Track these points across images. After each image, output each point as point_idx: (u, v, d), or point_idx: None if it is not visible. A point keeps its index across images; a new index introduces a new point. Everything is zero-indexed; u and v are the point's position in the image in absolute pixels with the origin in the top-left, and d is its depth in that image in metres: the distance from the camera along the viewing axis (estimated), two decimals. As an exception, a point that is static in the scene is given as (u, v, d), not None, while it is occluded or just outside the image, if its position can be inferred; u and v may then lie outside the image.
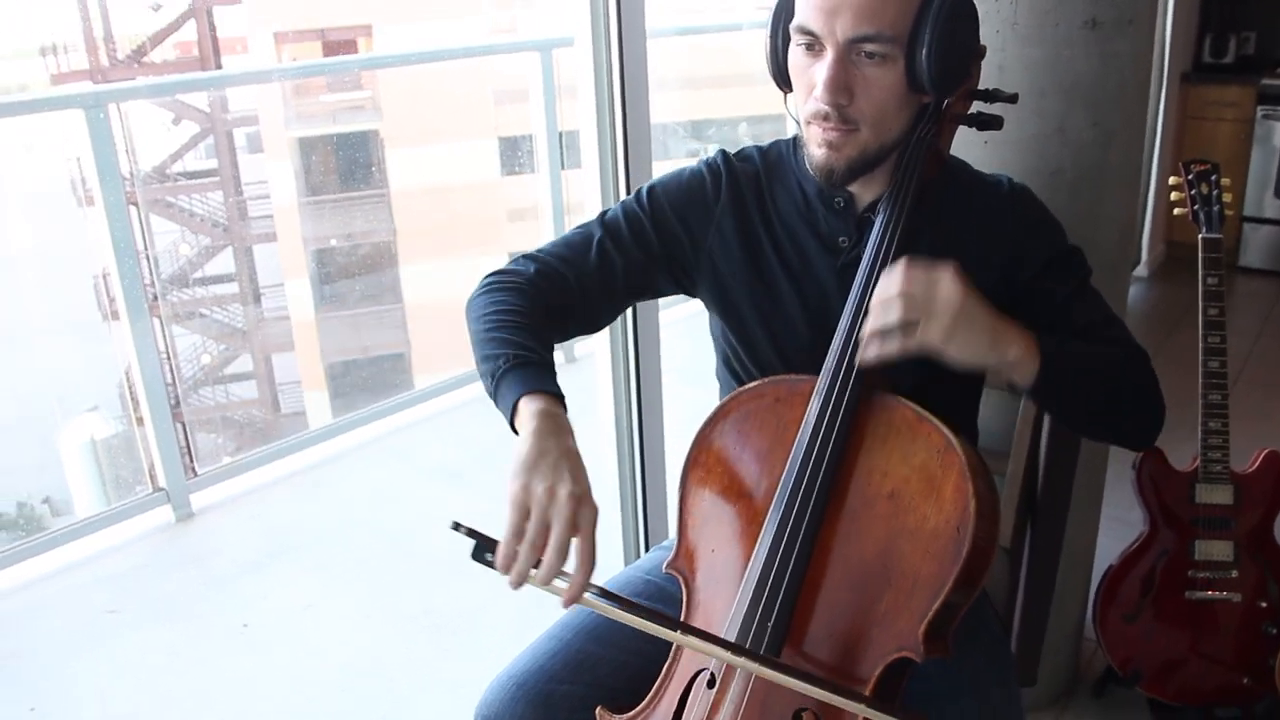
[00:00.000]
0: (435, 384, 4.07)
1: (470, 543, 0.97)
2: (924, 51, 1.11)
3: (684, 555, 1.20)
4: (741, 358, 1.34)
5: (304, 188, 15.25)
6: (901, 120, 1.18)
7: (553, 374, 1.11)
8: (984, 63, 1.24)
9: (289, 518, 3.37)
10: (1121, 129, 1.74)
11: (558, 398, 1.07)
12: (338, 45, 15.31)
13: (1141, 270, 4.98)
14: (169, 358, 13.25)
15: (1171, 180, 2.13)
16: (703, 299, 1.36)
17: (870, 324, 1.07)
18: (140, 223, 13.31)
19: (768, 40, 1.21)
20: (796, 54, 1.16)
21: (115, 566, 3.06)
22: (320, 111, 15.46)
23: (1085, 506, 2.04)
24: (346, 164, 15.65)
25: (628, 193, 1.94)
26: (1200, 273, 2.02)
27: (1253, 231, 4.92)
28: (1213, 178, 2.07)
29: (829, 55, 1.11)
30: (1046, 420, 1.42)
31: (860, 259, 1.19)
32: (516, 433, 1.05)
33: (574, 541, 0.97)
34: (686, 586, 1.19)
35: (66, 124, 3.17)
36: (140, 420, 3.32)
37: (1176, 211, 2.12)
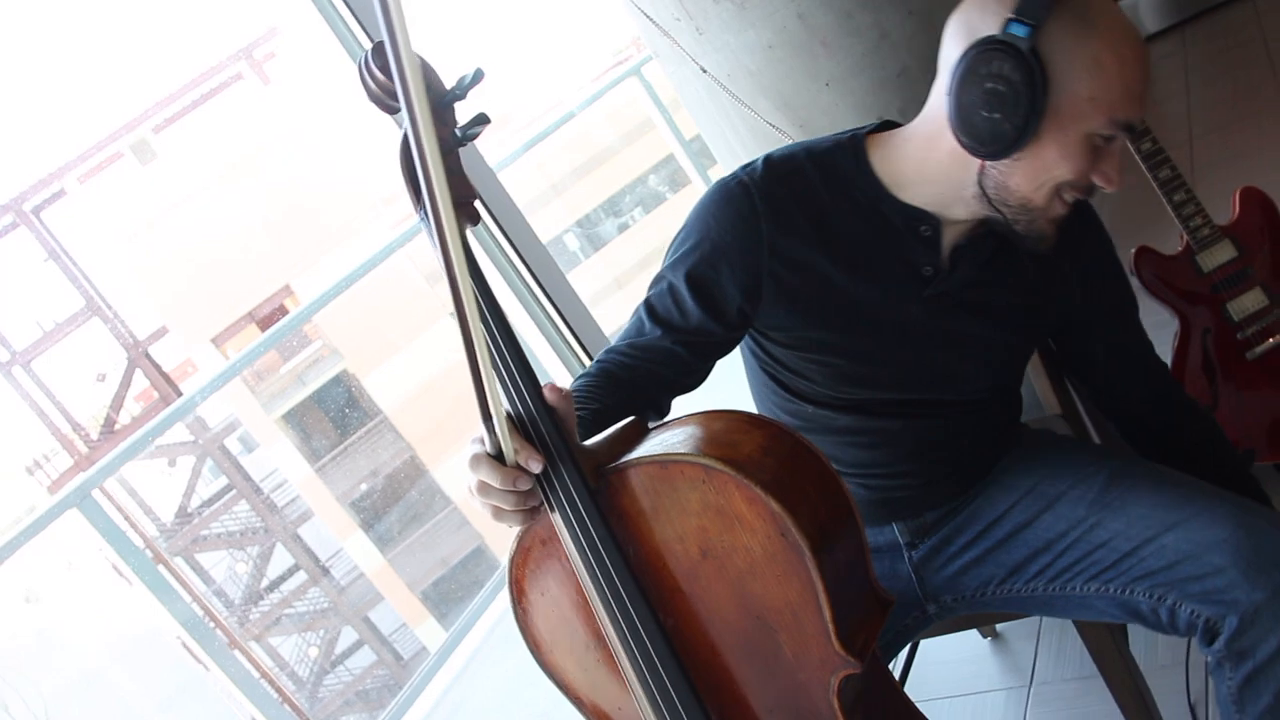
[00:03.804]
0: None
1: None
2: None
3: None
4: (804, 378, 1.27)
5: (311, 455, 15.44)
6: None
7: (582, 429, 1.04)
8: (802, 27, 1.27)
9: (450, 752, 3.35)
10: (935, 0, 1.79)
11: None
12: (269, 317, 15.64)
13: (1055, 95, 4.99)
14: (279, 670, 13.27)
15: (1013, 15, 2.16)
16: (761, 330, 1.26)
17: None
18: (189, 568, 13.47)
19: (1021, 113, 1.04)
20: (1089, 143, 1.07)
21: None
22: (288, 383, 15.74)
23: (1114, 333, 2.03)
24: (335, 413, 15.88)
25: (578, 343, 2.00)
26: (1085, 77, 2.04)
27: (1132, 1, 4.95)
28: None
29: (1119, 142, 1.07)
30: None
31: (954, 290, 1.20)
32: None
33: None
34: None
35: (72, 526, 3.23)
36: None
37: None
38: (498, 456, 0.93)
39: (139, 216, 15.65)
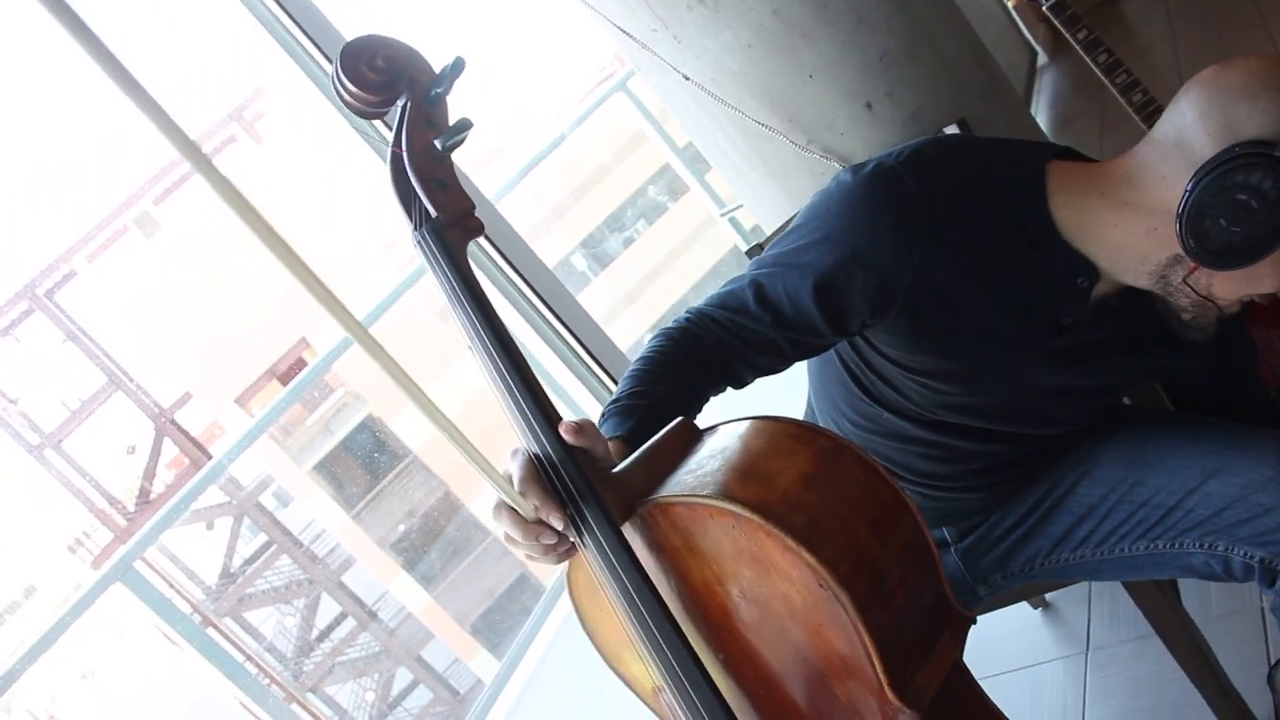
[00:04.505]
0: (552, 583, 4.07)
1: None
2: None
3: None
4: (897, 391, 1.21)
5: (345, 502, 15.50)
6: None
7: (636, 420, 1.00)
8: (778, 22, 1.26)
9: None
10: (910, -18, 1.79)
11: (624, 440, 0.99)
12: (289, 371, 15.72)
13: (1043, 59, 4.98)
14: (338, 718, 13.30)
15: (989, -16, 2.17)
16: (869, 339, 1.18)
17: None
18: (238, 628, 13.52)
19: (1263, 237, 0.96)
20: None
21: None
22: (315, 433, 15.81)
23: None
24: (365, 458, 15.94)
25: (596, 363, 2.00)
26: (1070, 38, 2.04)
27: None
28: (1020, -43, 2.11)
29: None
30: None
31: (1085, 343, 1.14)
32: None
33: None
34: None
35: (118, 600, 3.25)
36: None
37: (1011, 3, 2.15)
38: None
39: (150, 288, 15.78)
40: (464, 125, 0.98)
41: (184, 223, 16.59)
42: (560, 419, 0.91)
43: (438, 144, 0.97)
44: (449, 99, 0.99)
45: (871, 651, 0.84)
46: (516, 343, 0.93)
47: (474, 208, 0.98)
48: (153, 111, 0.73)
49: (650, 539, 0.90)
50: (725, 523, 0.85)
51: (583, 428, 0.90)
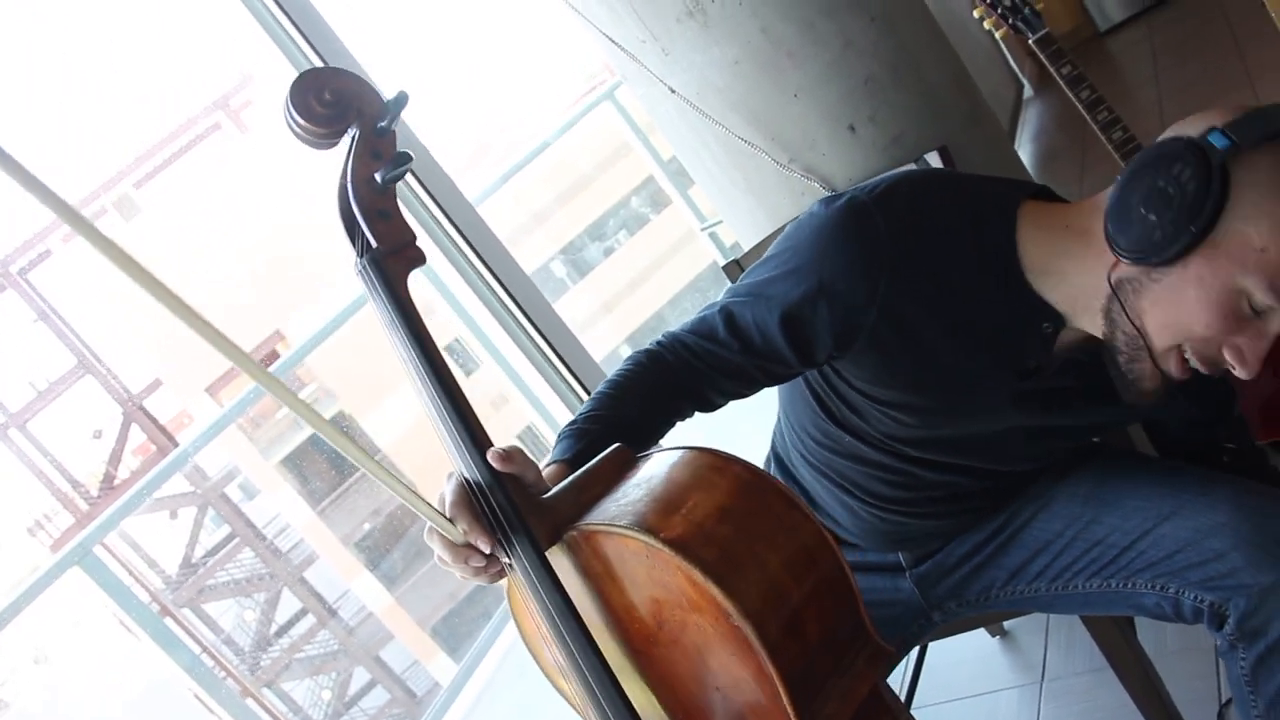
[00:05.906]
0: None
1: None
2: None
3: None
4: (860, 417, 1.21)
5: (312, 498, 15.40)
6: None
7: (585, 444, 1.02)
8: (766, 41, 1.27)
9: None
10: (895, 5, 1.80)
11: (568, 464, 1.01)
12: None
13: (1028, 91, 5.03)
14: (293, 715, 13.18)
15: (976, 13, 2.18)
16: (835, 368, 1.18)
17: None
18: (197, 619, 13.39)
19: (1179, 225, 0.93)
20: (1235, 301, 0.95)
21: None
22: (285, 427, 15.70)
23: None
24: (334, 455, 15.82)
25: (570, 372, 2.00)
26: (1054, 72, 2.06)
27: (1094, -4, 4.97)
28: (1008, -12, 2.12)
29: (1272, 324, 0.95)
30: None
31: (1050, 389, 1.14)
32: None
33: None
34: None
35: (75, 584, 3.21)
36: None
37: (999, 34, 2.17)
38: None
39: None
40: (404, 159, 0.99)
41: (164, 207, 16.47)
42: (491, 445, 0.92)
43: (378, 178, 0.99)
44: (396, 131, 1.02)
45: (779, 684, 0.85)
46: (451, 372, 0.95)
47: (415, 239, 1.00)
48: (28, 183, 0.73)
49: (577, 564, 0.93)
50: (640, 553, 0.87)
51: (511, 455, 0.92)
